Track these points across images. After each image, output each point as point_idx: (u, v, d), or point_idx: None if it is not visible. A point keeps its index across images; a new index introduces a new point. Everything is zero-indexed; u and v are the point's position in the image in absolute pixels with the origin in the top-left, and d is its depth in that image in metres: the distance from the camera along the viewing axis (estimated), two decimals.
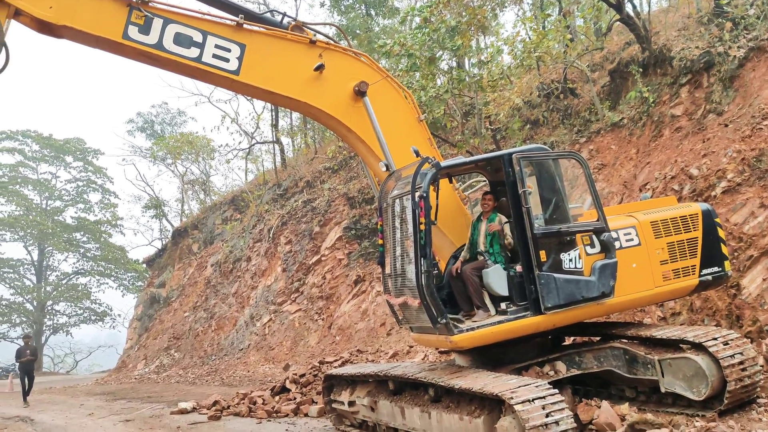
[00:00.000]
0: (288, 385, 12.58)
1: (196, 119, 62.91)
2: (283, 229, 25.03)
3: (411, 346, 13.74)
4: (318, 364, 13.25)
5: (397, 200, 7.95)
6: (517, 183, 7.70)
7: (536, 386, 6.57)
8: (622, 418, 7.20)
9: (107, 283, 53.60)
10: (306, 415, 11.28)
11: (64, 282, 53.68)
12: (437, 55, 18.38)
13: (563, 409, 6.30)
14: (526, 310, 7.62)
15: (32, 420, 14.22)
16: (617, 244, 7.98)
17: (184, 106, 60.95)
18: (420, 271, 7.23)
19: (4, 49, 7.35)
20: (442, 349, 10.87)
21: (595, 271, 7.74)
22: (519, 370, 7.76)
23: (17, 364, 19.64)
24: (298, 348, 20.95)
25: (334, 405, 9.87)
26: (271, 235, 25.33)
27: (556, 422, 6.17)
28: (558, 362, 7.91)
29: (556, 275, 7.62)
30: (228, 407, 12.48)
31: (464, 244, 8.58)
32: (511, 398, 6.27)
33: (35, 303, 51.59)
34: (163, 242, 40.39)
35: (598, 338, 8.60)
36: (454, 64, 20.87)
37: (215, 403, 12.77)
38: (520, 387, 6.51)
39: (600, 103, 16.15)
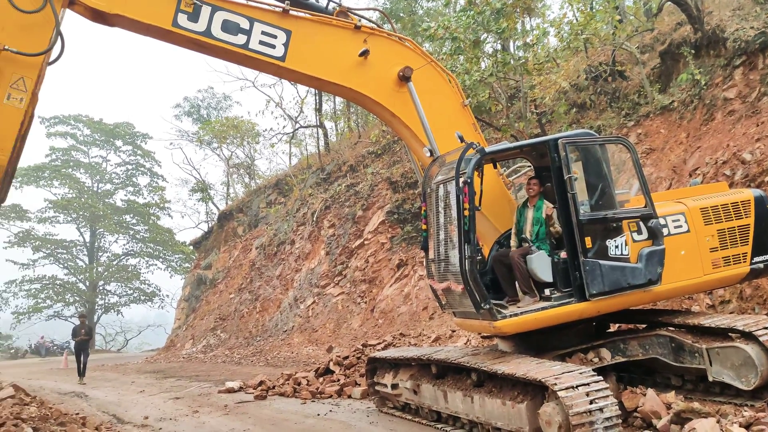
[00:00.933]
0: (332, 366, 12.79)
1: (241, 104, 63.46)
2: (327, 212, 25.26)
3: (453, 331, 13.79)
4: (361, 347, 13.42)
5: (441, 185, 7.97)
6: (563, 168, 7.64)
7: (580, 373, 6.55)
8: (668, 407, 7.10)
9: (155, 265, 54.99)
10: (349, 396, 11.46)
11: (114, 263, 55.22)
12: (482, 38, 18.18)
13: (608, 396, 6.28)
14: (570, 296, 7.58)
15: (87, 396, 14.79)
16: (665, 231, 7.87)
17: (229, 91, 61.79)
18: (464, 256, 7.26)
19: (59, 38, 7.57)
20: (485, 334, 10.89)
21: (641, 258, 7.65)
22: (562, 356, 7.74)
23: (72, 342, 20.27)
24: (341, 330, 21.21)
25: (377, 387, 10.01)
26: (314, 219, 25.60)
27: (600, 409, 6.15)
28: (602, 349, 7.86)
29: (601, 262, 7.55)
30: (273, 387, 12.75)
31: (509, 230, 8.57)
32: (555, 384, 6.27)
33: (87, 283, 53.23)
34: (209, 225, 41.16)
35: (643, 326, 8.51)
36: (499, 47, 20.62)
37: (261, 383, 13.06)
38: (564, 373, 6.51)
39: (650, 85, 15.79)
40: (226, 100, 42.67)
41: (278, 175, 34.62)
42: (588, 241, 7.56)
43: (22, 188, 51.31)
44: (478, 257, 7.44)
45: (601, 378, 6.49)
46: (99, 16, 7.97)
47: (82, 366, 18.67)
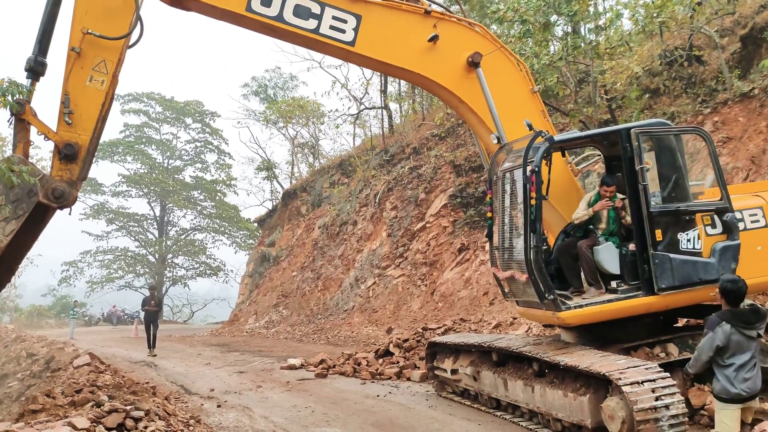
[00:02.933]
0: (391, 348, 12.93)
1: (308, 84, 64.01)
2: (389, 194, 25.35)
3: (514, 318, 13.70)
4: (421, 330, 13.50)
5: (508, 173, 7.91)
6: (635, 159, 7.46)
7: (646, 368, 6.45)
8: None
9: (221, 240, 56.39)
10: (408, 379, 11.58)
11: (182, 237, 56.96)
12: (552, 21, 17.77)
13: (674, 393, 6.16)
14: (638, 289, 7.45)
15: (156, 366, 15.43)
16: (741, 225, 7.60)
17: (296, 71, 62.34)
18: (529, 246, 7.21)
19: (139, 22, 7.83)
20: (548, 324, 10.79)
21: (715, 252, 7.44)
22: (627, 350, 7.61)
23: (142, 312, 20.78)
24: (400, 312, 21.35)
25: (436, 372, 10.10)
26: (377, 200, 25.74)
27: (666, 406, 6.05)
28: (670, 344, 7.68)
29: (672, 255, 7.38)
30: (334, 366, 13.00)
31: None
32: (619, 379, 6.20)
33: (157, 256, 55.15)
34: (274, 203, 41.89)
35: None
36: (570, 30, 20.10)
37: (322, 361, 13.34)
38: (629, 368, 6.42)
39: (729, 71, 15.12)
40: (292, 80, 43.12)
41: (342, 155, 34.87)
42: (658, 233, 7.40)
43: (98, 162, 53.33)
44: (544, 247, 7.36)
45: (667, 374, 6.37)
46: (177, 1, 8.20)
47: (152, 338, 18.71)
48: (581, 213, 7.88)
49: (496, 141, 8.32)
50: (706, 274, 7.39)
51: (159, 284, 51.73)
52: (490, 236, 8.31)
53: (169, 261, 56.53)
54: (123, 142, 54.34)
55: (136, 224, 56.51)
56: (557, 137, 7.80)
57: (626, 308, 7.42)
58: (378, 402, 9.74)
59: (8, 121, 7.22)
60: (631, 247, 7.55)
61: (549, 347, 7.78)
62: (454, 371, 9.50)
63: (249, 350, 18.69)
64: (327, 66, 30.69)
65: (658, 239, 7.38)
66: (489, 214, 8.30)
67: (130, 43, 7.95)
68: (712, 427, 6.96)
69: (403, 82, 31.11)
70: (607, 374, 6.31)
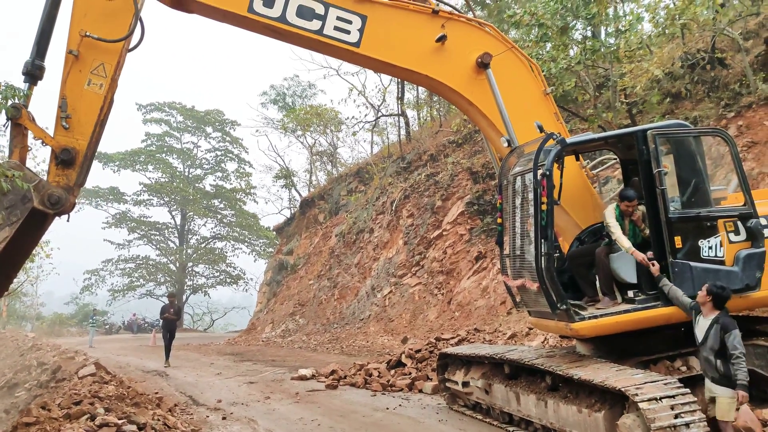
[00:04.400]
0: (404, 359, 12.61)
1: (326, 92, 64.05)
2: (406, 202, 25.06)
3: (530, 328, 13.28)
4: (434, 341, 13.16)
5: (519, 177, 7.58)
6: (652, 162, 7.11)
7: (665, 383, 6.07)
8: (764, 423, 6.52)
9: (241, 248, 56.51)
10: (420, 391, 11.25)
11: (203, 246, 57.16)
12: (570, 25, 17.38)
13: (695, 410, 5.77)
14: (656, 299, 7.07)
15: (167, 375, 15.26)
16: (766, 232, 7.18)
17: (313, 79, 62.47)
18: (540, 253, 6.87)
19: (139, 25, 7.66)
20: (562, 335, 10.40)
21: (738, 260, 7.04)
22: (646, 363, 7.22)
23: (161, 320, 20.17)
24: (417, 321, 21.01)
25: (447, 384, 9.75)
26: (393, 208, 25.46)
27: (687, 424, 5.67)
28: (691, 357, 7.26)
29: (692, 264, 7.00)
30: (345, 377, 12.71)
31: (590, 226, 8.08)
32: (636, 395, 5.82)
33: (177, 264, 55.38)
34: (292, 211, 41.83)
35: None
36: (589, 33, 19.69)
37: (333, 372, 13.05)
38: (646, 383, 6.05)
39: (753, 74, 14.63)
40: (310, 88, 43.14)
41: (359, 163, 34.69)
42: (678, 240, 7.03)
43: (120, 172, 53.89)
44: (556, 254, 7.02)
45: (688, 390, 5.98)
46: (178, 3, 8.03)
47: (167, 348, 18.14)
48: (617, 232, 7.39)
49: (506, 144, 8.00)
50: (730, 283, 6.96)
51: (179, 292, 51.90)
52: (500, 243, 7.97)
53: (190, 269, 56.75)
54: (145, 151, 54.79)
55: (158, 233, 56.86)
56: (569, 140, 7.47)
57: (643, 319, 7.05)
58: (387, 415, 9.42)
59: (3, 125, 7.08)
60: (649, 254, 7.17)
61: (563, 360, 7.42)
62: (465, 384, 9.15)
63: (262, 360, 18.47)
64: (344, 73, 30.62)
65: (677, 246, 7.01)
66: (499, 220, 7.98)
67: (131, 46, 7.79)
68: None
69: (421, 90, 30.89)
70: (623, 389, 5.94)
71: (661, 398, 5.79)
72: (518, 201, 7.60)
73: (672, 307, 6.93)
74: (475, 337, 13.66)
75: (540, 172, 6.96)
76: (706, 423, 5.76)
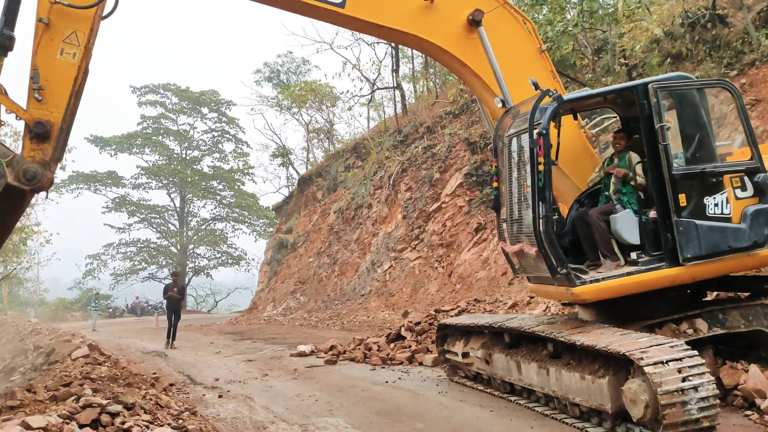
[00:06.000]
0: (403, 332, 12.38)
1: (320, 68, 63.18)
2: (403, 176, 24.73)
3: (531, 297, 13.06)
4: (434, 313, 12.93)
5: (514, 138, 7.27)
6: (654, 117, 6.77)
7: (671, 346, 5.79)
8: None
9: (241, 229, 56.34)
10: (420, 363, 11.03)
11: (203, 227, 56.96)
12: None
13: (703, 372, 5.50)
14: (660, 260, 6.78)
15: (166, 356, 15.08)
16: None
17: (307, 55, 61.77)
18: (538, 215, 6.57)
19: None
20: (564, 301, 10.15)
21: (746, 217, 6.74)
22: (651, 327, 6.95)
23: (164, 301, 19.14)
24: (417, 295, 20.82)
25: (447, 355, 9.52)
26: (391, 182, 25.14)
27: (695, 387, 5.40)
28: (698, 320, 7.00)
29: (697, 222, 6.70)
30: (344, 352, 12.50)
31: (590, 188, 7.78)
32: (641, 359, 5.56)
33: (179, 246, 55.24)
34: (290, 190, 41.53)
35: (746, 294, 7.57)
36: None
37: (332, 347, 12.85)
38: (652, 346, 5.77)
39: (755, 31, 14.20)
40: (305, 64, 42.56)
41: (356, 138, 34.30)
42: (682, 198, 6.72)
43: (117, 155, 53.53)
44: (555, 216, 6.71)
45: (695, 352, 5.71)
46: None
47: (172, 330, 17.23)
48: (594, 175, 7.22)
49: (500, 105, 7.67)
50: (737, 241, 6.70)
51: (182, 275, 51.78)
52: (497, 208, 7.68)
53: (191, 251, 56.62)
54: (141, 134, 54.37)
55: (157, 216, 56.62)
56: (567, 96, 7.13)
57: (648, 281, 6.76)
58: (386, 389, 9.20)
59: None
60: (652, 214, 6.87)
61: (564, 326, 7.15)
62: (465, 354, 8.91)
63: (262, 338, 18.28)
64: (337, 47, 30.06)
65: (681, 204, 6.70)
66: (495, 184, 7.67)
67: (105, 13, 7.42)
68: (747, 408, 6.35)
69: (417, 62, 30.40)
70: (627, 354, 5.68)
71: (667, 361, 5.52)
72: (514, 163, 7.29)
73: (678, 268, 6.66)
74: (476, 308, 13.42)
75: (536, 131, 6.64)
76: (714, 386, 5.50)
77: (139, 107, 54.36)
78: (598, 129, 8.61)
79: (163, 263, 55.90)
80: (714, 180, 6.76)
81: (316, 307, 25.67)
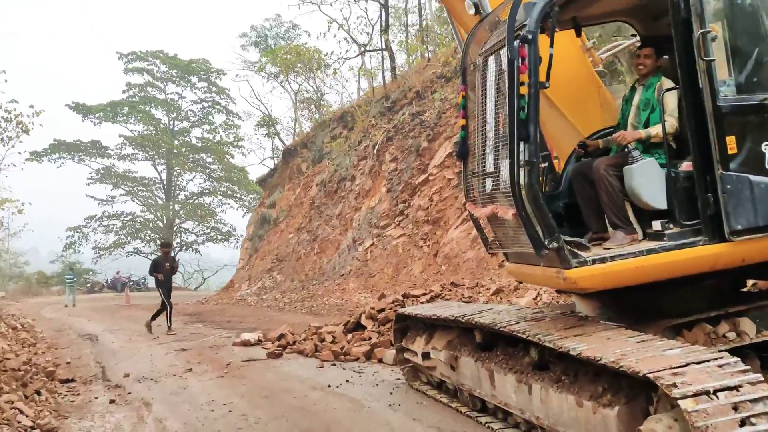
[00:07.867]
0: (363, 321, 10.26)
1: (310, 33, 60.04)
2: (389, 144, 22.53)
3: (520, 282, 10.91)
4: (401, 298, 10.82)
5: (491, 57, 5.06)
6: (693, 22, 4.58)
7: (719, 364, 3.67)
8: None
9: (229, 204, 54.39)
10: (380, 361, 8.92)
11: (190, 201, 54.92)
12: None
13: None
14: (697, 234, 4.63)
15: (97, 341, 13.13)
16: None
17: (295, 18, 59.00)
18: (517, 162, 4.40)
19: None
20: (558, 288, 7.89)
21: None
22: (677, 328, 4.85)
23: (154, 278, 15.46)
24: (399, 276, 18.75)
25: (406, 355, 7.40)
26: (375, 152, 22.94)
27: None
28: (743, 319, 4.90)
29: (753, 178, 4.56)
30: (293, 343, 10.45)
31: (597, 131, 5.61)
32: (674, 385, 3.43)
33: (165, 220, 53.24)
34: (275, 161, 39.30)
35: None
36: None
37: (281, 336, 10.79)
38: (689, 364, 3.64)
39: None
40: (294, 29, 40.11)
41: (344, 107, 31.99)
42: (731, 142, 4.57)
43: (101, 124, 51.35)
44: (544, 164, 4.56)
45: (759, 376, 3.58)
46: None
47: (168, 313, 14.36)
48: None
49: (473, 11, 5.47)
50: None
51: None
52: (463, 155, 5.48)
53: (178, 226, 54.63)
54: (127, 102, 52.30)
55: (144, 188, 54.58)
56: None
57: (678, 264, 4.60)
58: (325, 396, 7.13)
59: None
60: (686, 165, 4.72)
61: (554, 324, 5.01)
62: (425, 355, 6.78)
63: (217, 321, 16.26)
64: (322, 2, 27.71)
65: (730, 152, 4.55)
66: (462, 122, 5.49)
67: None
68: None
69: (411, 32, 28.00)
70: (653, 377, 3.55)
71: (716, 391, 3.41)
72: (489, 92, 5.09)
73: (722, 245, 4.52)
74: (452, 294, 11.27)
75: (520, 36, 4.45)
76: None
77: (125, 74, 52.13)
78: (609, 54, 6.40)
79: (148, 237, 53.92)
80: None
81: (292, 287, 23.61)
